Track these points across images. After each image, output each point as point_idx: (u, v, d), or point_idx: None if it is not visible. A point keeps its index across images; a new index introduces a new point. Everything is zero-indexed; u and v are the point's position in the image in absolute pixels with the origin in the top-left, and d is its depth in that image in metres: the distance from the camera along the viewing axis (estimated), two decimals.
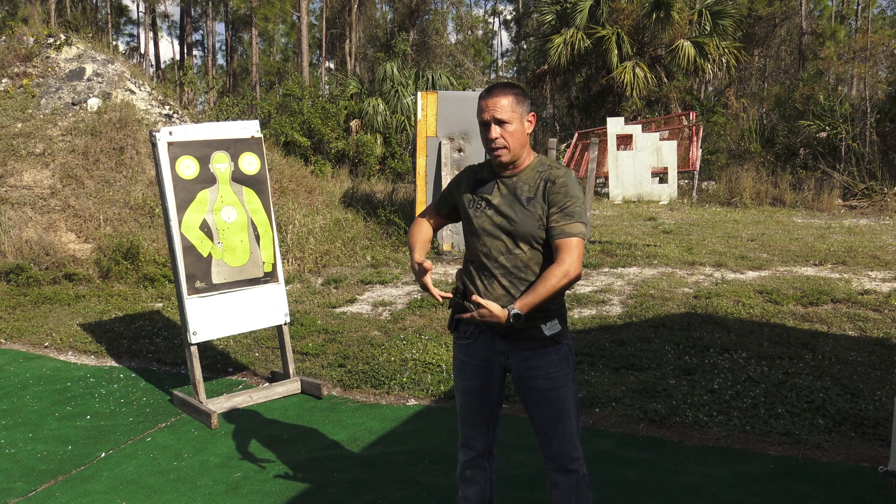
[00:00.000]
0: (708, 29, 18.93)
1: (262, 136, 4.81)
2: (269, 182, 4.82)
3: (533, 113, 2.48)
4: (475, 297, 2.34)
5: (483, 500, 2.72)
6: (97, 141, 9.13)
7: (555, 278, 2.31)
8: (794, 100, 17.74)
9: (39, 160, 8.88)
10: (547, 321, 2.46)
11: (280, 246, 7.38)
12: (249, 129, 4.75)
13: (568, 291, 6.92)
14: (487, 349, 2.55)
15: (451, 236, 8.98)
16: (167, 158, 4.38)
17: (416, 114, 9.23)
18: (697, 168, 14.84)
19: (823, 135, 15.50)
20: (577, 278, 2.34)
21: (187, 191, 4.44)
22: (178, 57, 45.77)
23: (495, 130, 2.40)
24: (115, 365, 5.61)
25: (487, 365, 2.57)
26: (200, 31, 47.30)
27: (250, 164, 4.71)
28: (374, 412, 4.45)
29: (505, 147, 2.42)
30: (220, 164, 4.58)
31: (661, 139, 14.89)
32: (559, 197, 2.39)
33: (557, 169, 2.45)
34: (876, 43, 22.99)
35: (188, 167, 4.45)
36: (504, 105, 2.39)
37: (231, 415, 4.51)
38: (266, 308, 4.74)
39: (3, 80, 9.81)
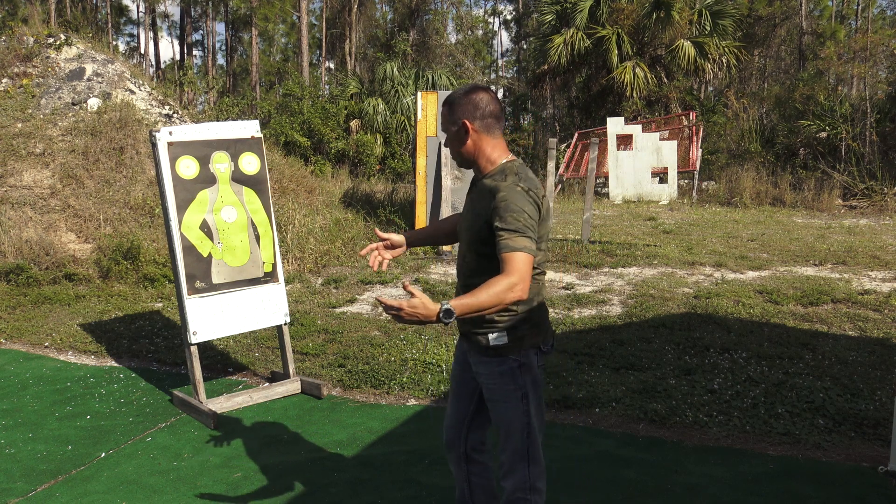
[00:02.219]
0: (708, 29, 18.94)
1: (262, 136, 4.80)
2: (269, 182, 4.82)
3: (464, 120, 2.36)
4: (405, 285, 2.14)
5: (463, 501, 2.74)
6: (97, 141, 9.13)
7: (499, 286, 2.14)
8: (794, 100, 17.74)
9: (39, 160, 8.88)
10: (494, 331, 2.37)
11: (280, 246, 7.38)
12: (249, 129, 4.75)
13: (567, 291, 6.92)
14: (462, 346, 2.62)
15: None
16: (167, 158, 4.38)
17: (416, 114, 9.23)
18: (697, 168, 14.84)
19: (823, 135, 15.51)
20: (523, 298, 2.17)
21: (187, 191, 4.44)
22: (178, 57, 45.79)
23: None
24: (115, 365, 5.61)
25: (460, 361, 2.63)
26: (200, 31, 47.33)
27: (250, 164, 4.71)
28: (374, 412, 4.45)
29: (454, 158, 2.48)
30: (220, 164, 4.58)
31: (661, 139, 14.85)
32: (500, 210, 2.25)
33: (504, 181, 2.32)
34: (876, 43, 22.99)
35: (188, 167, 4.45)
36: (441, 115, 2.46)
37: (231, 415, 4.51)
38: (266, 308, 4.74)
39: (3, 80, 9.81)
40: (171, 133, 4.42)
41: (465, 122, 2.35)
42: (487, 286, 2.15)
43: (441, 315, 2.09)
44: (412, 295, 2.09)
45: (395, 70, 20.72)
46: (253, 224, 4.70)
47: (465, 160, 2.44)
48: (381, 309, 6.66)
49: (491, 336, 2.37)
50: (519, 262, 2.17)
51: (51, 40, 10.42)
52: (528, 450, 2.42)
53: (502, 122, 2.44)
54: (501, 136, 2.42)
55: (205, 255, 4.49)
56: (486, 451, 2.72)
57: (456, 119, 2.37)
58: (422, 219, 9.09)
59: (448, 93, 2.55)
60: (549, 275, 7.63)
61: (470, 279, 2.40)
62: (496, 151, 2.40)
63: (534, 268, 2.37)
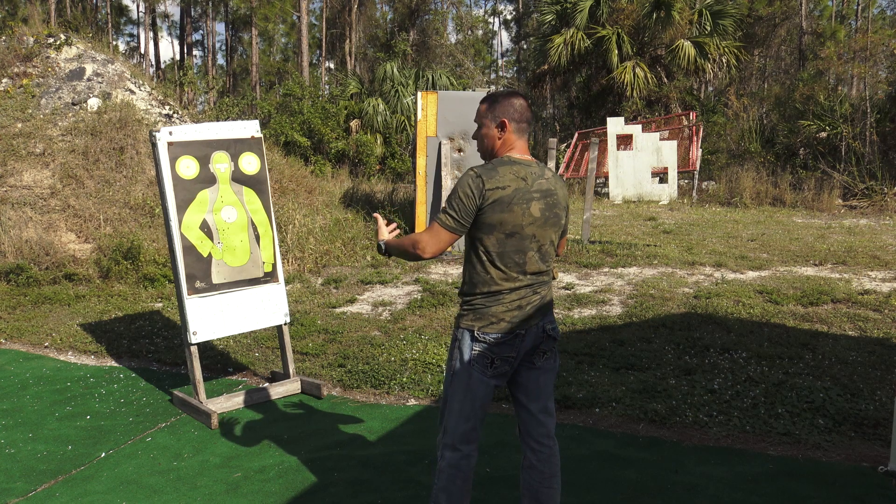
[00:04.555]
0: (708, 29, 18.93)
1: (262, 136, 4.81)
2: (269, 182, 4.82)
3: (503, 119, 2.65)
4: (375, 214, 2.84)
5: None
6: (97, 141, 9.13)
7: (411, 239, 2.61)
8: (794, 100, 17.73)
9: (39, 160, 8.88)
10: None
11: (280, 246, 7.38)
12: (249, 129, 4.75)
13: (567, 291, 6.92)
14: None
15: None
16: (167, 158, 4.38)
17: (416, 114, 9.23)
18: (697, 168, 14.84)
19: (823, 135, 15.51)
20: (423, 255, 2.57)
21: (187, 191, 4.44)
22: (178, 57, 45.77)
23: (474, 133, 2.77)
24: (115, 365, 5.61)
25: None
26: (200, 31, 47.32)
27: (250, 164, 4.71)
28: (374, 412, 4.45)
29: (479, 148, 2.75)
30: (220, 163, 4.58)
31: (661, 139, 14.84)
32: None
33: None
34: (876, 43, 22.97)
35: (188, 167, 4.45)
36: (478, 110, 2.71)
37: (231, 415, 4.51)
38: (266, 308, 4.74)
39: (3, 80, 9.81)
40: (171, 133, 4.42)
41: (505, 121, 2.64)
42: (409, 236, 2.63)
43: (378, 245, 2.77)
44: (377, 221, 2.83)
45: (395, 70, 20.71)
46: (253, 224, 4.70)
47: (488, 153, 2.71)
48: (380, 309, 6.67)
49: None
50: (431, 229, 2.58)
51: (51, 40, 10.42)
52: (442, 416, 2.72)
53: (530, 128, 2.80)
54: (526, 140, 2.71)
55: (205, 255, 4.49)
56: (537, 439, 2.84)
57: (497, 116, 2.65)
58: (422, 219, 9.09)
59: (483, 92, 2.73)
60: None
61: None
62: (513, 150, 2.67)
63: (482, 255, 2.60)
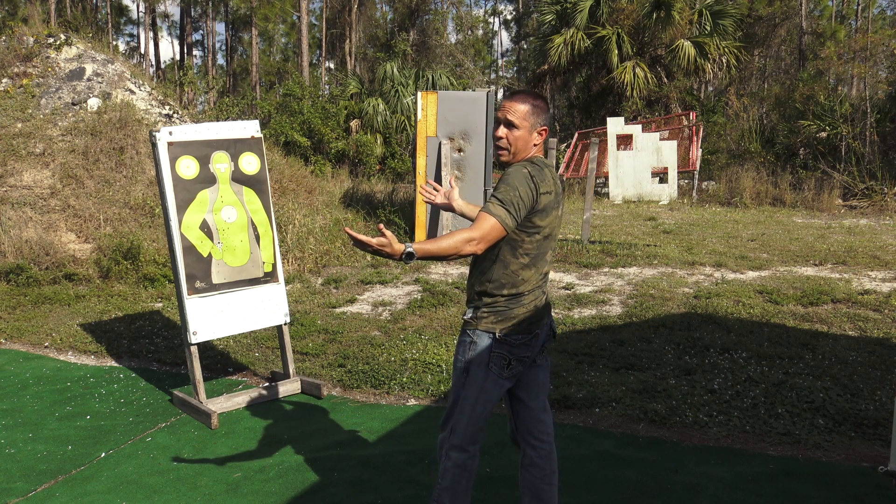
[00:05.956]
0: (708, 29, 18.93)
1: (262, 136, 4.81)
2: (269, 182, 4.82)
3: (545, 127, 2.61)
4: (380, 226, 2.40)
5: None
6: (97, 141, 9.13)
7: (460, 237, 2.40)
8: (794, 100, 17.72)
9: (39, 160, 8.88)
10: (471, 308, 2.65)
11: (280, 246, 7.38)
12: (249, 129, 4.75)
13: (567, 291, 6.92)
14: None
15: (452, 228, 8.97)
16: (167, 158, 4.38)
17: (416, 114, 9.24)
18: (697, 168, 14.84)
19: (823, 135, 15.50)
20: (477, 252, 2.44)
21: (187, 191, 4.44)
22: (178, 57, 45.77)
23: (501, 130, 2.59)
24: (115, 365, 5.61)
25: None
26: (200, 31, 47.32)
27: (250, 164, 4.71)
28: (374, 412, 4.45)
29: (506, 148, 2.59)
30: (220, 163, 4.58)
31: (661, 139, 14.85)
32: (499, 182, 2.53)
33: (513, 166, 2.56)
34: (876, 43, 22.95)
35: (188, 167, 4.45)
36: (518, 110, 2.56)
37: (231, 415, 4.51)
38: (266, 308, 4.74)
39: (3, 80, 9.81)
40: (171, 133, 4.42)
41: (546, 129, 2.62)
42: (450, 235, 2.40)
43: (403, 256, 2.35)
44: (383, 234, 2.33)
45: (395, 70, 20.71)
46: (253, 224, 4.70)
47: (514, 158, 2.60)
48: (380, 309, 6.67)
49: (467, 311, 2.67)
50: (486, 223, 2.42)
51: (51, 40, 10.42)
52: (449, 416, 2.68)
53: None
54: None
55: (205, 255, 4.49)
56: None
57: (539, 123, 2.59)
58: (422, 219, 9.09)
59: (524, 91, 2.69)
60: (550, 275, 7.63)
61: (477, 263, 2.64)
62: (538, 151, 2.65)
63: (520, 257, 2.56)
